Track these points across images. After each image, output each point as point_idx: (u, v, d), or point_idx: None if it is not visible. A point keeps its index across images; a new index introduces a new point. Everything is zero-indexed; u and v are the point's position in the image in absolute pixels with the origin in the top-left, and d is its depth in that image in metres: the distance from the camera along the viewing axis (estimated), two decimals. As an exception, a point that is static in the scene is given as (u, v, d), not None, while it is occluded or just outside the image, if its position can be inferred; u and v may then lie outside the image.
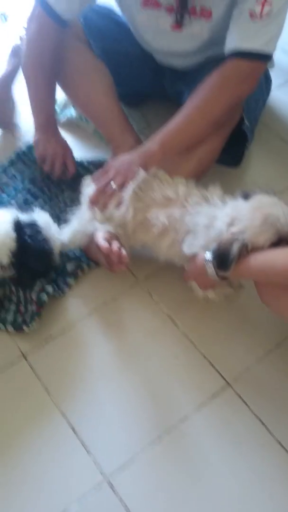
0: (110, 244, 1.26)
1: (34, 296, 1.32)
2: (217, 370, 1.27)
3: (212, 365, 1.28)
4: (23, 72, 1.53)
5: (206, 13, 1.38)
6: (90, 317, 1.36)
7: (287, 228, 1.12)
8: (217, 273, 1.17)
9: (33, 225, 1.30)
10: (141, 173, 1.30)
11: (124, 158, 1.35)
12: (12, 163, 1.61)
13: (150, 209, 1.28)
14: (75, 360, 1.30)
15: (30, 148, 1.62)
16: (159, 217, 1.26)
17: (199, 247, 1.22)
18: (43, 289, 1.32)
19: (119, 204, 1.31)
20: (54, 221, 1.49)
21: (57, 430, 1.19)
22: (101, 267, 1.41)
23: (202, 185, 1.31)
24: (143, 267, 1.42)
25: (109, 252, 1.25)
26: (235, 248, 1.11)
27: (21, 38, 1.81)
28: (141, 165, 1.31)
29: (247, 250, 1.12)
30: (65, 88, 1.60)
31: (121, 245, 1.27)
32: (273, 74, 1.72)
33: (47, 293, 1.32)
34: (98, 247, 1.28)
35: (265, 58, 1.32)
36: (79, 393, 1.24)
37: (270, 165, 1.67)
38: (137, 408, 1.22)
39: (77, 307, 1.38)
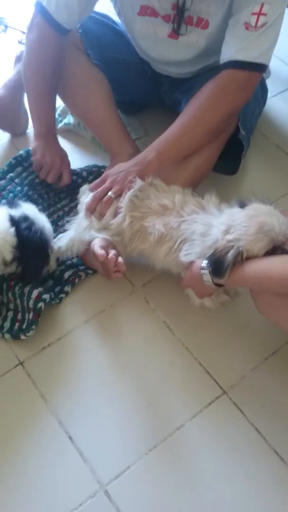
0: (106, 252, 1.26)
1: (31, 304, 1.32)
2: (213, 378, 1.27)
3: (208, 373, 1.28)
4: (24, 80, 1.54)
5: (202, 23, 1.39)
6: (87, 324, 1.37)
7: (282, 237, 1.12)
8: (212, 281, 1.17)
9: (26, 218, 1.31)
10: (138, 182, 1.31)
11: (121, 167, 1.36)
12: (11, 166, 1.61)
13: (146, 218, 1.29)
14: (72, 367, 1.30)
15: (28, 151, 1.63)
16: (156, 225, 1.27)
17: (196, 255, 1.23)
18: (40, 297, 1.32)
19: (116, 212, 1.32)
20: (53, 229, 1.51)
21: (54, 438, 1.19)
22: (98, 274, 1.42)
23: (198, 193, 1.32)
24: (140, 275, 1.43)
25: (106, 260, 1.25)
26: (230, 256, 1.12)
27: (20, 43, 1.83)
28: (138, 174, 1.32)
29: (242, 258, 1.12)
30: (63, 97, 1.61)
31: (118, 253, 1.28)
32: (270, 83, 1.73)
33: (44, 301, 1.32)
34: (95, 255, 1.29)
35: (260, 69, 1.33)
36: (76, 401, 1.24)
37: (266, 173, 1.68)
38: (134, 416, 1.22)
39: (74, 314, 1.38)
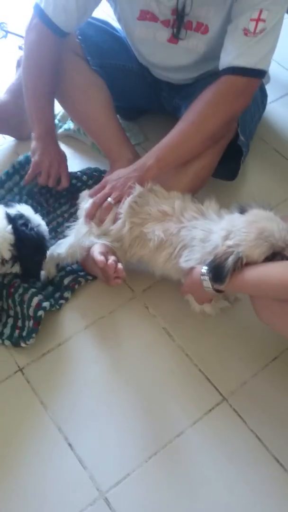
0: (106, 258, 1.26)
1: (31, 312, 1.32)
2: (213, 385, 1.27)
3: (208, 380, 1.28)
4: (22, 82, 1.54)
5: (202, 28, 1.39)
6: (86, 330, 1.36)
7: (281, 243, 1.12)
8: (212, 287, 1.17)
9: (21, 216, 1.31)
10: (137, 188, 1.31)
11: (121, 173, 1.36)
12: (8, 175, 1.61)
13: (146, 224, 1.29)
14: (72, 373, 1.30)
15: (26, 158, 1.63)
16: (155, 231, 1.27)
17: (196, 261, 1.23)
18: (40, 305, 1.32)
19: (115, 218, 1.32)
20: (52, 235, 1.51)
21: (53, 445, 1.19)
22: (98, 280, 1.42)
23: (198, 199, 1.32)
24: (140, 281, 1.43)
25: (105, 266, 1.25)
26: (230, 262, 1.12)
27: (20, 48, 1.83)
28: (137, 180, 1.32)
29: (242, 263, 1.12)
30: (63, 103, 1.62)
31: (117, 259, 1.28)
32: (269, 88, 1.73)
33: (44, 309, 1.32)
34: (94, 261, 1.29)
35: (259, 74, 1.33)
36: (75, 408, 1.24)
37: (266, 179, 1.68)
38: (133, 423, 1.22)
39: (74, 320, 1.38)
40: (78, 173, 1.62)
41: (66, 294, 1.40)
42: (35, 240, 1.30)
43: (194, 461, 1.17)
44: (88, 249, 1.33)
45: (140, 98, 1.69)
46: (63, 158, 1.56)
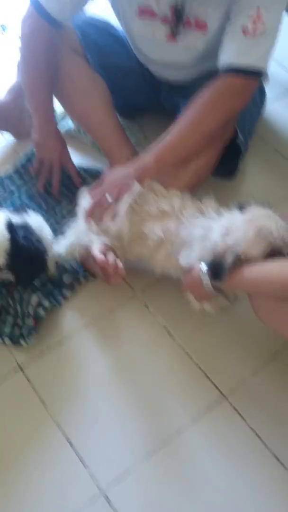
0: (106, 256, 1.27)
1: (31, 311, 1.32)
2: (212, 383, 1.27)
3: (208, 377, 1.28)
4: (19, 72, 1.54)
5: (201, 25, 1.40)
6: (86, 329, 1.37)
7: (280, 241, 1.12)
8: (212, 284, 1.17)
9: (25, 227, 1.31)
10: (137, 186, 1.31)
11: (120, 171, 1.37)
12: (10, 177, 1.62)
13: (145, 222, 1.29)
14: (72, 372, 1.30)
15: (28, 159, 1.63)
16: (155, 230, 1.27)
17: (195, 259, 1.23)
18: (40, 304, 1.32)
19: (114, 217, 1.32)
20: (52, 235, 1.51)
21: (53, 442, 1.19)
22: (98, 279, 1.42)
23: (197, 198, 1.32)
24: (139, 279, 1.43)
25: (105, 264, 1.26)
26: (229, 259, 1.12)
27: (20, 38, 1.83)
28: (136, 178, 1.32)
29: (240, 261, 1.13)
30: (62, 102, 1.62)
31: (117, 257, 1.28)
32: (268, 87, 1.73)
33: (44, 308, 1.32)
34: (94, 259, 1.29)
35: (258, 74, 1.33)
36: (76, 406, 1.24)
37: (265, 177, 1.68)
38: (133, 420, 1.22)
39: (74, 319, 1.38)
40: (81, 172, 1.62)
41: (66, 293, 1.40)
42: (31, 252, 1.29)
43: (194, 459, 1.18)
44: (88, 247, 1.33)
45: (140, 97, 1.69)
46: (64, 147, 1.56)
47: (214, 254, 1.15)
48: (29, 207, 1.56)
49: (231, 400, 1.25)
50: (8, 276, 1.32)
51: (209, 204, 1.28)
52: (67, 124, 1.79)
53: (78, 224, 1.38)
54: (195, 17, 1.39)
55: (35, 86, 1.49)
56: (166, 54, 1.50)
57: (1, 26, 2.16)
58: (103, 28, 1.63)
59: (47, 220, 1.53)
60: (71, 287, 1.41)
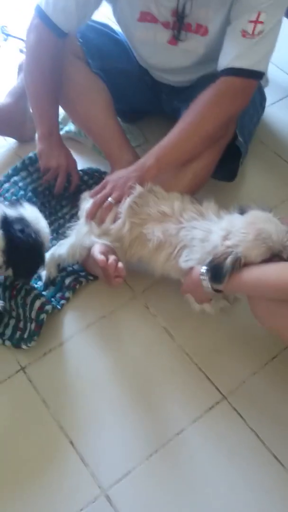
0: (106, 257, 1.28)
1: (33, 315, 1.33)
2: (212, 383, 1.28)
3: (208, 378, 1.29)
4: (25, 83, 1.55)
5: (201, 29, 1.41)
6: (88, 330, 1.38)
7: (279, 245, 1.13)
8: (211, 286, 1.18)
9: (21, 220, 1.27)
10: (137, 188, 1.32)
11: (121, 174, 1.38)
12: (16, 170, 1.62)
13: (146, 224, 1.30)
14: (73, 372, 1.31)
15: (36, 155, 1.64)
16: (155, 232, 1.28)
17: (195, 261, 1.24)
18: (42, 309, 1.33)
19: (115, 218, 1.33)
20: (54, 236, 1.52)
21: (55, 443, 1.20)
22: (99, 280, 1.43)
23: (197, 200, 1.33)
24: (140, 281, 1.44)
25: (106, 265, 1.27)
26: (228, 262, 1.13)
27: (21, 51, 1.85)
28: (137, 180, 1.33)
29: (240, 264, 1.14)
30: (64, 105, 1.63)
31: (118, 258, 1.29)
32: (269, 90, 1.75)
33: (47, 313, 1.33)
34: (95, 260, 1.30)
35: (257, 76, 1.35)
36: (77, 406, 1.25)
37: (265, 180, 1.69)
38: (134, 421, 1.23)
39: (75, 320, 1.39)
40: (80, 172, 1.64)
41: (67, 294, 1.41)
42: (29, 246, 1.26)
43: (194, 459, 1.18)
44: (89, 249, 1.35)
45: (140, 100, 1.70)
46: (69, 156, 1.56)
47: (213, 256, 1.16)
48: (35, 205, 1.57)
49: (231, 401, 1.25)
50: (8, 272, 1.30)
51: (209, 207, 1.29)
52: (68, 126, 1.80)
53: (80, 226, 1.39)
54: (196, 21, 1.40)
55: (40, 96, 1.50)
56: (167, 58, 1.51)
57: (1, 28, 2.17)
58: (104, 32, 1.64)
59: (51, 223, 1.55)
60: (73, 289, 1.42)
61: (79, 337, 1.36)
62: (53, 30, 1.43)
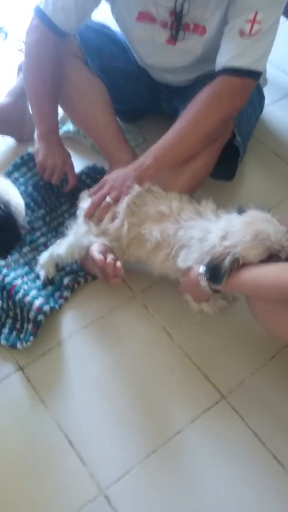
0: (105, 256, 1.28)
1: (31, 316, 1.32)
2: (212, 383, 1.28)
3: (207, 378, 1.29)
4: (24, 82, 1.55)
5: (200, 29, 1.41)
6: (86, 329, 1.38)
7: (277, 246, 1.13)
8: (209, 286, 1.18)
9: None
10: (136, 188, 1.32)
11: (119, 173, 1.38)
12: (16, 166, 1.62)
13: (144, 224, 1.30)
14: (72, 372, 1.31)
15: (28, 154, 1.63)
16: (153, 232, 1.28)
17: (193, 261, 1.24)
18: (40, 310, 1.32)
19: (113, 218, 1.33)
20: (53, 235, 1.52)
21: (54, 442, 1.20)
22: (97, 280, 1.43)
23: (195, 200, 1.33)
24: (139, 281, 1.44)
25: (104, 264, 1.27)
26: (227, 262, 1.13)
27: (21, 51, 1.85)
28: (136, 179, 1.33)
29: (238, 264, 1.13)
30: (63, 105, 1.63)
31: (116, 257, 1.29)
32: (267, 90, 1.75)
33: (45, 314, 1.33)
34: (93, 260, 1.30)
35: (254, 75, 1.35)
36: (76, 406, 1.25)
37: (263, 179, 1.69)
38: (133, 421, 1.23)
39: (74, 320, 1.39)
40: (78, 172, 1.64)
41: (66, 294, 1.41)
42: (2, 220, 1.18)
43: (193, 458, 1.18)
44: (87, 248, 1.35)
45: (139, 100, 1.71)
46: (67, 156, 1.56)
47: (212, 256, 1.16)
48: (36, 201, 1.56)
49: (230, 400, 1.25)
50: None
51: (207, 206, 1.29)
52: (67, 126, 1.80)
53: (78, 225, 1.39)
54: (194, 21, 1.40)
55: (40, 96, 1.50)
56: (165, 58, 1.51)
57: (1, 28, 2.17)
58: (102, 32, 1.64)
59: (50, 221, 1.55)
60: (71, 288, 1.42)
61: (77, 336, 1.36)
62: (52, 30, 1.43)
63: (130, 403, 1.26)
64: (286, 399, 1.26)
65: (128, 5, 1.45)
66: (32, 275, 1.44)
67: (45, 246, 1.50)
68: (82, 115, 1.60)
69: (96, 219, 1.36)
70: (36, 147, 1.54)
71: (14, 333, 1.35)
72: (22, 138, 1.77)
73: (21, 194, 1.52)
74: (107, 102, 1.59)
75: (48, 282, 1.43)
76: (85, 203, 1.39)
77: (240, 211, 1.23)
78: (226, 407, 1.24)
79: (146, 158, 1.36)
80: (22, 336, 1.33)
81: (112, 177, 1.38)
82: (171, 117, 1.58)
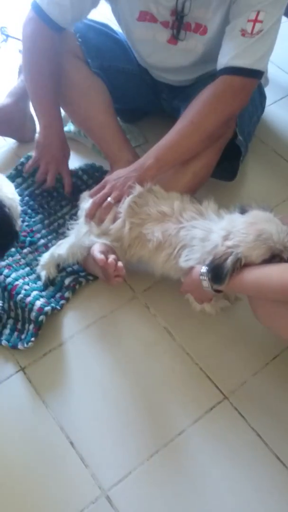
0: (106, 256, 1.27)
1: (32, 316, 1.32)
2: (214, 383, 1.28)
3: (209, 378, 1.28)
4: (24, 76, 1.55)
5: (201, 29, 1.41)
6: (87, 330, 1.37)
7: (280, 245, 1.13)
8: (212, 287, 1.18)
9: None
10: (137, 188, 1.32)
11: (120, 173, 1.38)
12: (11, 178, 1.63)
13: (145, 224, 1.30)
14: (73, 373, 1.30)
15: (28, 159, 1.63)
16: (154, 232, 1.27)
17: (195, 261, 1.24)
18: (42, 310, 1.32)
19: (115, 218, 1.33)
20: (53, 236, 1.52)
21: (55, 444, 1.19)
22: (99, 281, 1.43)
23: (197, 199, 1.33)
24: (140, 281, 1.44)
25: (106, 264, 1.26)
26: (229, 262, 1.12)
27: (21, 52, 1.85)
28: (137, 180, 1.33)
29: (240, 264, 1.13)
30: (63, 105, 1.63)
31: (118, 257, 1.29)
32: (268, 90, 1.75)
33: (46, 314, 1.32)
34: (94, 260, 1.30)
35: (256, 75, 1.35)
36: (77, 407, 1.24)
37: (265, 179, 1.69)
38: (135, 421, 1.23)
39: (75, 320, 1.39)
40: (80, 172, 1.64)
41: (67, 294, 1.41)
42: None
43: (196, 459, 1.18)
44: (89, 248, 1.34)
45: (140, 100, 1.70)
46: (64, 155, 1.56)
47: (214, 257, 1.16)
48: (32, 208, 1.57)
49: (232, 400, 1.25)
50: None
51: (209, 206, 1.29)
52: (67, 127, 1.80)
53: (79, 226, 1.39)
54: (195, 20, 1.40)
55: (38, 90, 1.50)
56: (166, 57, 1.51)
57: (1, 29, 2.17)
58: (103, 31, 1.64)
59: (50, 223, 1.55)
60: (72, 289, 1.42)
61: (79, 337, 1.36)
62: (48, 24, 1.43)
63: (132, 404, 1.25)
64: (289, 399, 1.25)
65: (129, 4, 1.45)
66: (33, 276, 1.44)
67: (46, 247, 1.49)
68: (83, 115, 1.59)
69: (97, 219, 1.36)
70: (36, 140, 1.55)
71: (15, 333, 1.34)
72: (23, 139, 1.77)
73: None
74: (107, 102, 1.59)
75: (49, 282, 1.42)
76: (86, 203, 1.39)
77: (243, 211, 1.22)
78: (229, 408, 1.24)
79: (148, 158, 1.35)
80: (23, 336, 1.33)
81: (114, 177, 1.38)
82: (172, 117, 1.58)
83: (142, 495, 1.13)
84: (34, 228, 1.54)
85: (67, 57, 1.54)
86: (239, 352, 1.33)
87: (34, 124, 1.74)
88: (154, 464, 1.17)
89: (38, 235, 1.53)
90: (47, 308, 1.33)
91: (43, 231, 1.54)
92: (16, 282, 1.38)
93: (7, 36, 2.16)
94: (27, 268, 1.46)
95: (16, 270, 1.43)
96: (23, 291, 1.36)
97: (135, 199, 1.31)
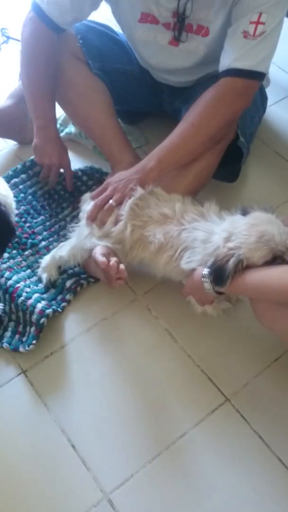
0: (108, 259, 1.27)
1: (34, 319, 1.32)
2: (216, 385, 1.27)
3: (211, 380, 1.28)
4: (21, 76, 1.55)
5: (203, 30, 1.41)
6: (89, 332, 1.37)
7: (282, 247, 1.12)
8: (213, 289, 1.18)
9: None
10: (139, 190, 1.32)
11: (122, 175, 1.37)
12: (16, 172, 1.63)
13: (147, 226, 1.29)
14: (75, 375, 1.30)
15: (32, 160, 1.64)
16: (156, 234, 1.27)
17: (197, 262, 1.23)
18: (43, 312, 1.32)
19: (116, 221, 1.33)
20: (55, 238, 1.52)
21: (57, 446, 1.19)
22: (100, 283, 1.43)
23: (198, 201, 1.33)
24: (142, 283, 1.43)
25: (107, 267, 1.26)
26: (231, 264, 1.12)
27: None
28: (139, 181, 1.33)
29: (242, 266, 1.13)
30: (64, 106, 1.63)
31: (119, 260, 1.29)
32: (269, 91, 1.74)
33: (47, 317, 1.32)
34: (96, 262, 1.30)
35: (258, 77, 1.34)
36: (79, 409, 1.24)
37: (267, 180, 1.69)
38: (137, 424, 1.22)
39: (76, 322, 1.39)
40: (79, 172, 1.64)
41: (68, 297, 1.41)
42: None
43: (198, 461, 1.18)
44: (90, 251, 1.34)
45: (141, 101, 1.70)
46: (62, 153, 1.56)
47: (215, 258, 1.16)
48: (35, 208, 1.57)
49: (234, 402, 1.25)
50: None
51: (211, 208, 1.29)
52: (68, 128, 1.80)
53: (80, 228, 1.39)
54: (197, 22, 1.40)
55: (34, 90, 1.50)
56: (167, 59, 1.51)
57: (1, 30, 2.17)
58: (104, 33, 1.64)
59: (51, 225, 1.55)
60: (74, 291, 1.42)
61: (80, 339, 1.36)
62: (47, 24, 1.43)
63: (133, 406, 1.25)
64: (291, 402, 1.25)
65: (130, 6, 1.44)
66: (35, 278, 1.44)
67: (47, 249, 1.49)
68: (83, 117, 1.59)
69: (99, 221, 1.35)
70: (33, 143, 1.54)
71: (17, 336, 1.34)
72: (24, 140, 1.77)
73: (21, 201, 1.54)
74: (108, 103, 1.58)
75: (50, 285, 1.42)
76: (87, 205, 1.39)
77: (244, 212, 1.22)
78: (230, 410, 1.24)
79: (149, 160, 1.35)
80: (24, 339, 1.32)
81: (115, 180, 1.38)
82: (174, 118, 1.58)
83: (144, 498, 1.13)
84: (35, 230, 1.54)
85: (68, 58, 1.54)
86: (241, 354, 1.33)
87: (31, 125, 1.73)
88: (156, 466, 1.16)
89: (40, 237, 1.53)
90: (48, 311, 1.32)
91: (45, 233, 1.54)
92: (17, 285, 1.38)
93: (8, 37, 2.16)
94: (28, 270, 1.46)
95: (17, 272, 1.43)
96: (24, 294, 1.36)
97: (137, 201, 1.31)
